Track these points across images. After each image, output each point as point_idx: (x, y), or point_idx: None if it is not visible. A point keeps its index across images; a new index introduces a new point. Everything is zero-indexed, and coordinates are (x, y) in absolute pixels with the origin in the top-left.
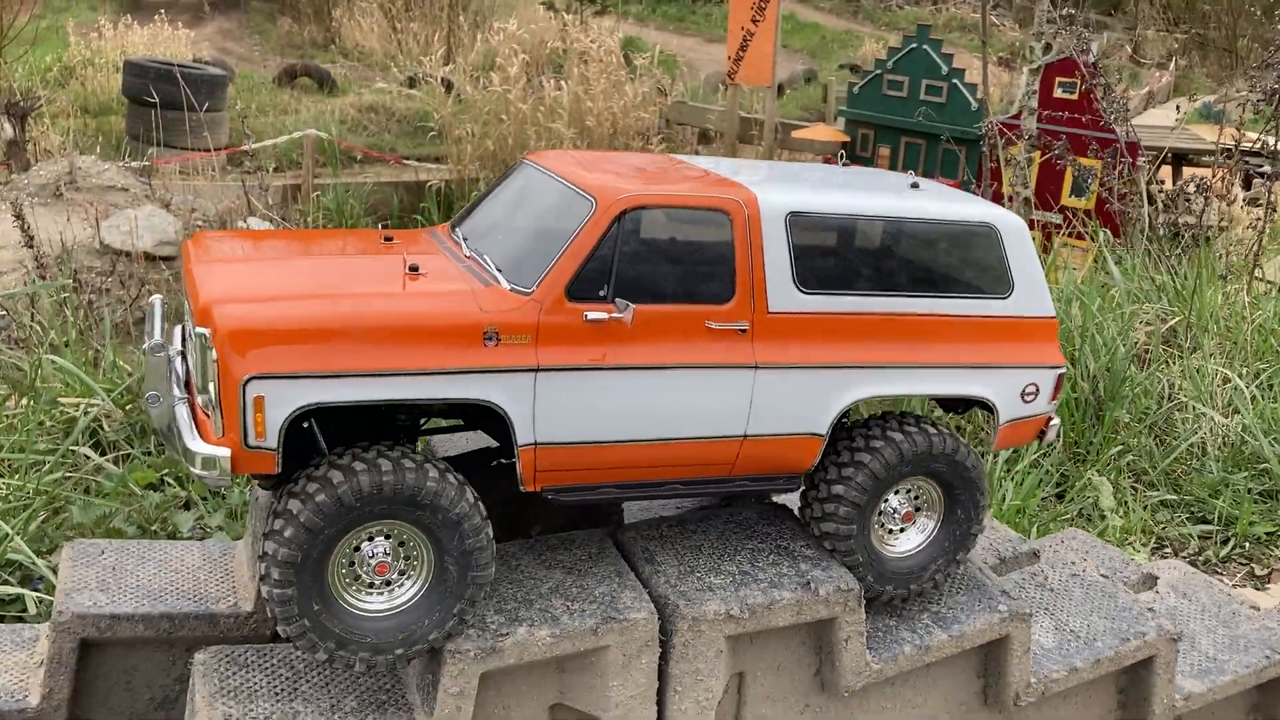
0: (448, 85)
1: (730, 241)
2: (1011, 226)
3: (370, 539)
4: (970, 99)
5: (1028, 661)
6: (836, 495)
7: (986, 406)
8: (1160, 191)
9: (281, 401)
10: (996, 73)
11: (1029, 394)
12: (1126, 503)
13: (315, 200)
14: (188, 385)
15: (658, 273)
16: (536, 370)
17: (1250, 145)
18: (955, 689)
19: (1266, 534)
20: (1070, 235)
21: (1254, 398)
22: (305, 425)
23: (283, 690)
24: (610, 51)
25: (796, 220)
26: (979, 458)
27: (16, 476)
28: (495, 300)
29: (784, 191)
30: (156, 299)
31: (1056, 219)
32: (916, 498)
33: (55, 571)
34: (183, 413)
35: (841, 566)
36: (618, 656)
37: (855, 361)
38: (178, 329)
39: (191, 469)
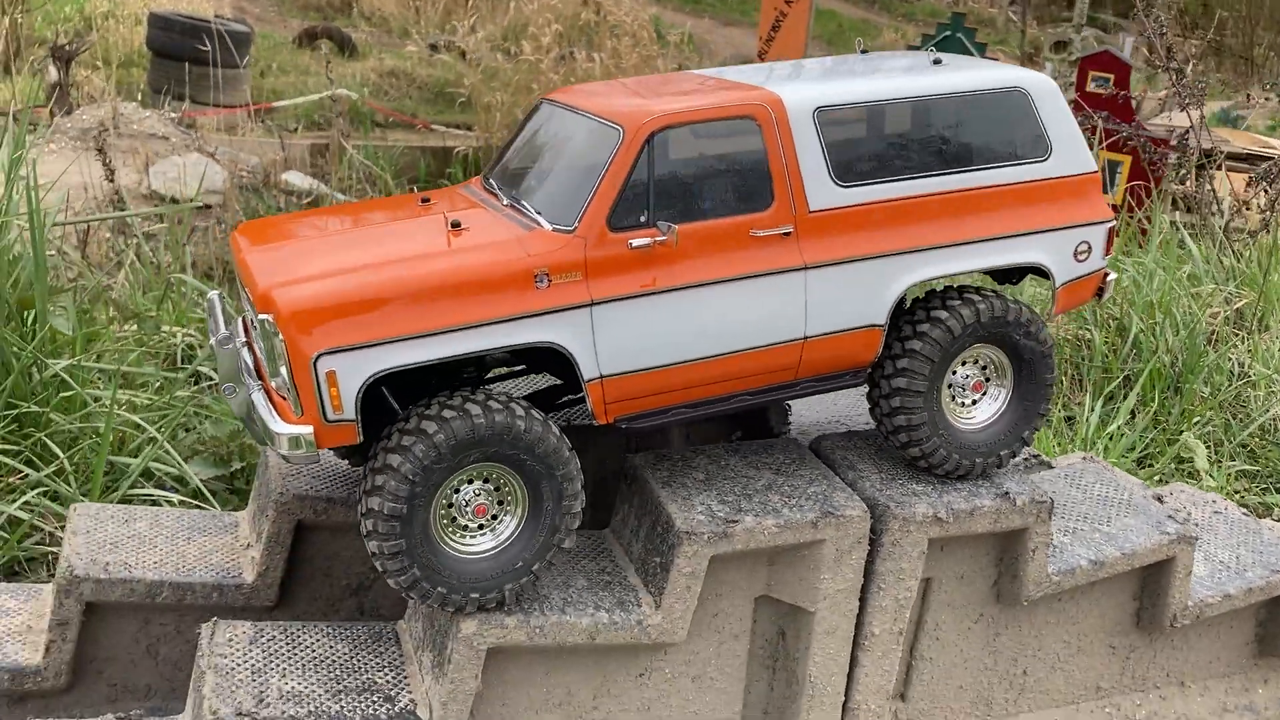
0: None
1: (762, 147)
2: (1043, 87)
3: (463, 485)
4: None
5: (1188, 585)
6: (902, 369)
7: (1043, 272)
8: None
9: (353, 372)
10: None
11: (1081, 253)
12: (1211, 473)
13: (348, 160)
14: (258, 373)
15: (695, 189)
16: (591, 305)
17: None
18: (1112, 609)
19: None
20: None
21: None
22: (381, 391)
23: None
24: (643, 26)
25: (824, 114)
26: (1035, 313)
27: (142, 393)
28: (540, 243)
29: (807, 88)
30: (215, 294)
31: None
32: (984, 368)
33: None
34: (260, 399)
35: (1033, 481)
36: (831, 550)
37: (904, 247)
38: (239, 321)
39: (279, 451)
